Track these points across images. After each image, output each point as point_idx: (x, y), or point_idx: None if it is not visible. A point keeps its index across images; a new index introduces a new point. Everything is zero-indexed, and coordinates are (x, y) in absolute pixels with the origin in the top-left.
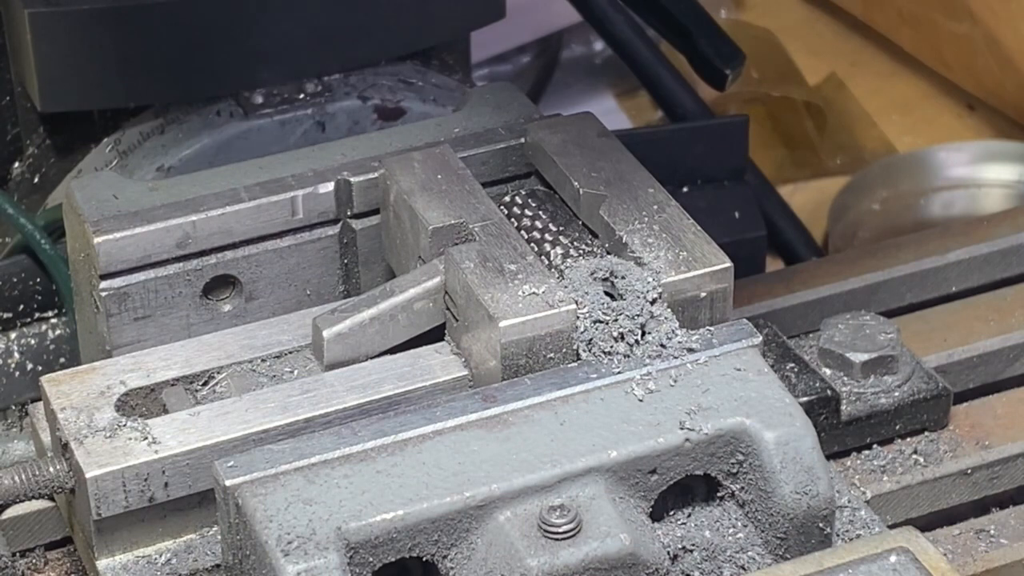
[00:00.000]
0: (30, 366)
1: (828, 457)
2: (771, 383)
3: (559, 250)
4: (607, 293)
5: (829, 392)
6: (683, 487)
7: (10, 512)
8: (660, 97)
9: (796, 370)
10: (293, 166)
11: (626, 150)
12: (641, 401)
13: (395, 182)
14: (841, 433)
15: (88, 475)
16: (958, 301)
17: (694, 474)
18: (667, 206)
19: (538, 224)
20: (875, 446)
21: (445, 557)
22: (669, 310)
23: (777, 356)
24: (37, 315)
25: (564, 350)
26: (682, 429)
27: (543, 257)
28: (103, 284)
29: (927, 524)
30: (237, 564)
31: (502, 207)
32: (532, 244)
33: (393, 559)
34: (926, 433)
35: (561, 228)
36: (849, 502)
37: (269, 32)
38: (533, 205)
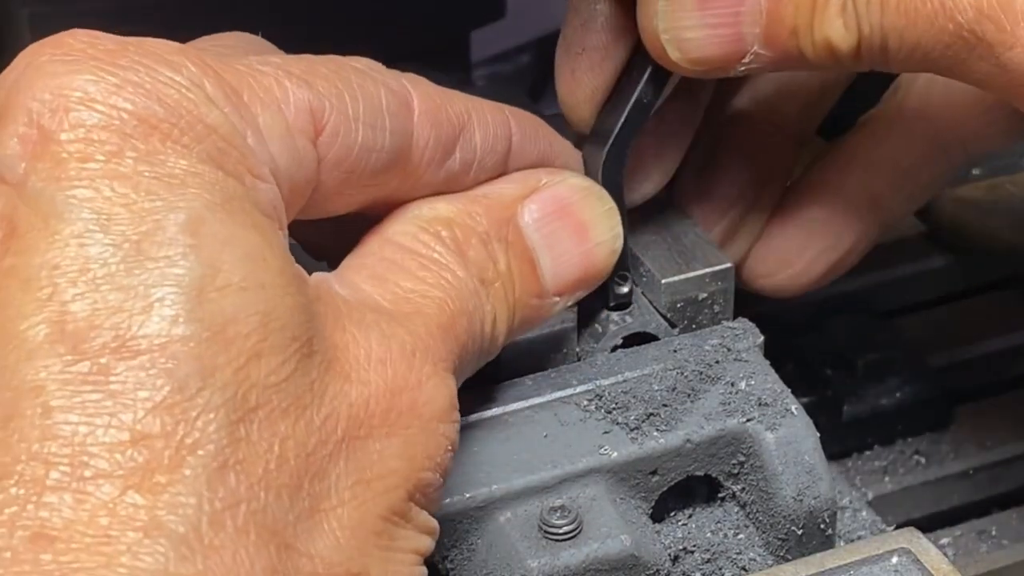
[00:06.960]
0: None
1: (829, 458)
2: (772, 383)
3: None
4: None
5: (830, 392)
6: (684, 488)
7: None
8: None
9: (796, 370)
10: None
11: None
12: None
13: None
14: (842, 433)
15: None
16: (958, 301)
17: (695, 475)
18: (667, 206)
19: None
20: (876, 446)
21: (445, 558)
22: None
23: (777, 356)
24: None
25: (564, 350)
26: (682, 430)
27: None
28: None
29: (928, 525)
30: None
31: None
32: None
33: None
34: (927, 433)
35: None
36: (850, 503)
37: (268, 33)
38: None
